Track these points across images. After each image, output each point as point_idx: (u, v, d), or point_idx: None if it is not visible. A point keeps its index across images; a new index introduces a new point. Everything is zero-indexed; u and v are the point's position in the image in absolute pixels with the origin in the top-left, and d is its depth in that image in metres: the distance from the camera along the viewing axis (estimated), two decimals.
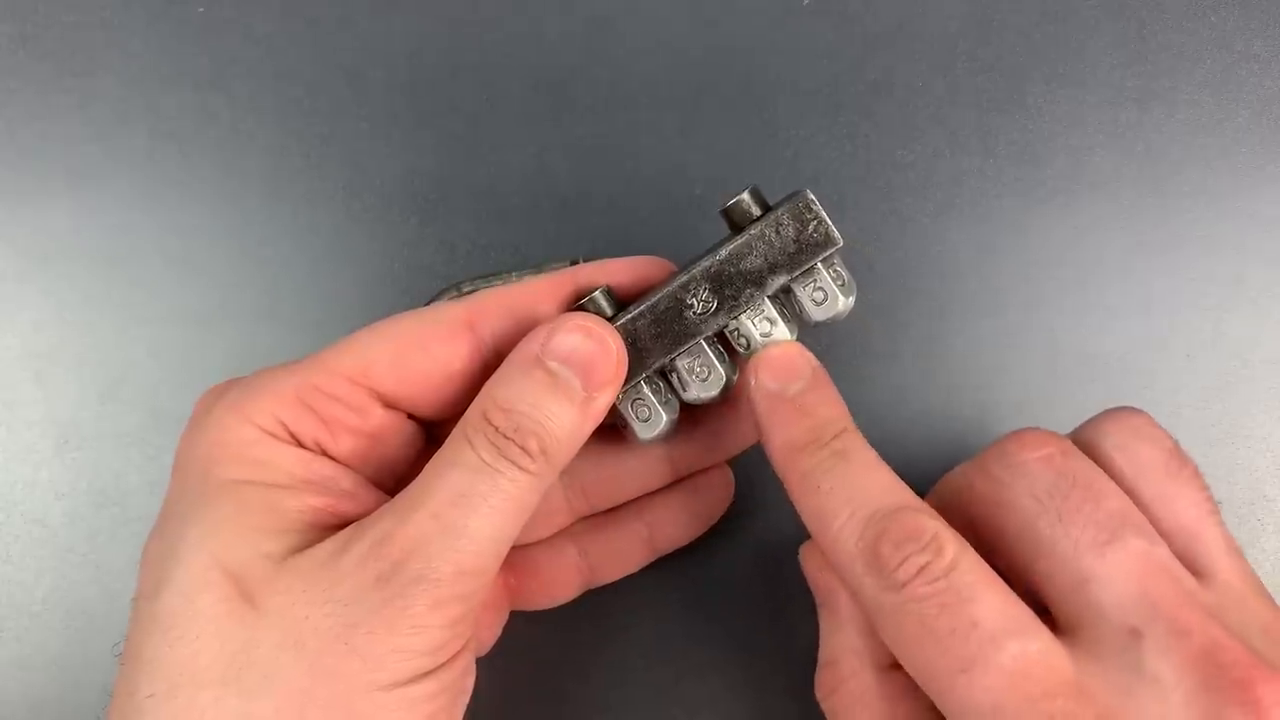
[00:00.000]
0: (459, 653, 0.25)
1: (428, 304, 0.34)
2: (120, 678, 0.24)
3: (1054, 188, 0.34)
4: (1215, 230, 0.34)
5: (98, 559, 0.35)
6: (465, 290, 0.34)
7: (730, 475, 0.32)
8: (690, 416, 0.29)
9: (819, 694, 0.28)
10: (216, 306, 0.35)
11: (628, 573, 0.32)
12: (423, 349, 0.27)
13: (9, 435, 0.35)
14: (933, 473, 0.28)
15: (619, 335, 0.27)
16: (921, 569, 0.23)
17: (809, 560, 0.29)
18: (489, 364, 0.27)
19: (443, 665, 0.24)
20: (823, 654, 0.28)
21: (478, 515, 0.24)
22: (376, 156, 0.36)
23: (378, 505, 0.25)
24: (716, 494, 0.32)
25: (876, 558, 0.23)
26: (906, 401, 0.34)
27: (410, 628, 0.23)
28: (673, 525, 0.32)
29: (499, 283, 0.34)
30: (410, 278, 0.35)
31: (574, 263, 0.34)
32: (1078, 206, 0.34)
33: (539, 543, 0.31)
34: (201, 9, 0.37)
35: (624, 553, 0.31)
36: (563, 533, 0.31)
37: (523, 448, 0.24)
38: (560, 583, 0.31)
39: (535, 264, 0.34)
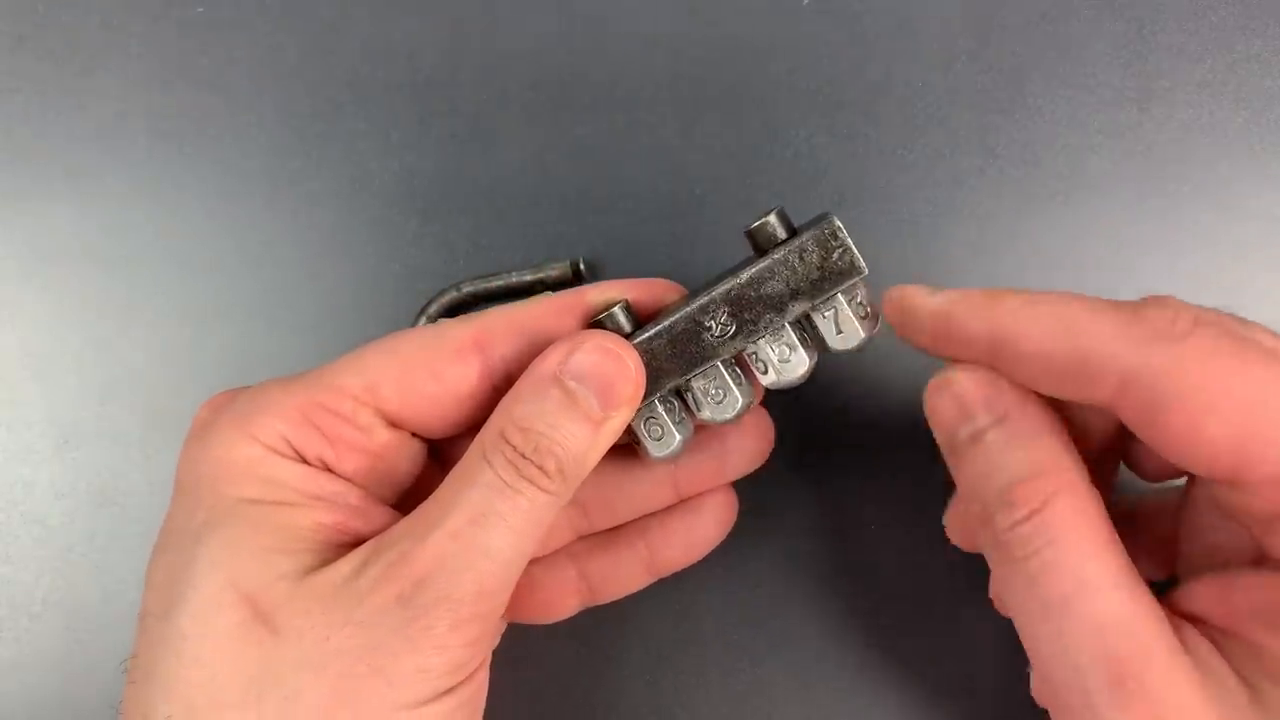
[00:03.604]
0: (478, 668, 0.25)
1: (427, 304, 0.34)
2: (131, 696, 0.24)
3: (1054, 188, 0.34)
4: (1215, 230, 0.34)
5: (98, 559, 0.35)
6: (465, 290, 0.34)
7: (734, 497, 0.31)
8: (695, 436, 0.29)
9: (1011, 516, 0.23)
10: (216, 306, 0.35)
11: (627, 593, 0.31)
12: (430, 370, 0.26)
13: (9, 435, 0.35)
14: (940, 473, 0.27)
15: (638, 355, 0.26)
16: None
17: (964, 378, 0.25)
18: (499, 386, 0.26)
19: (462, 682, 0.24)
20: (1013, 473, 0.24)
21: (497, 534, 0.24)
22: (376, 156, 0.36)
23: (387, 521, 0.25)
24: (720, 516, 0.31)
25: None
26: (908, 401, 0.34)
27: (432, 648, 0.23)
28: (674, 547, 0.31)
29: (499, 283, 0.34)
30: (410, 278, 0.35)
31: (574, 264, 0.34)
32: (1078, 206, 0.34)
33: (538, 560, 0.31)
34: (201, 9, 0.37)
35: (623, 574, 0.31)
36: (562, 550, 0.31)
37: (541, 467, 0.24)
38: (558, 601, 0.31)
39: (535, 264, 0.34)
